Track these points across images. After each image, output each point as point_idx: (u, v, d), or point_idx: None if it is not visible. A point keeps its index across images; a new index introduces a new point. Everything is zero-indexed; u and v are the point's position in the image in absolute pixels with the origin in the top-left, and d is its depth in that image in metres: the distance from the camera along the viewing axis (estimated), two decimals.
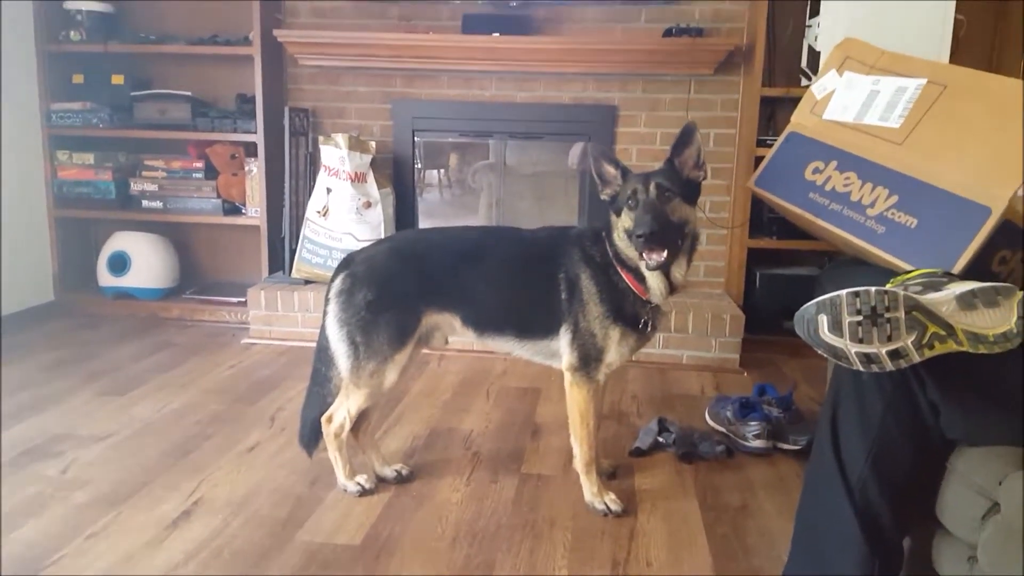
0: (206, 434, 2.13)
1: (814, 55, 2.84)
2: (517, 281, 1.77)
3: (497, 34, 2.98)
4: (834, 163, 1.50)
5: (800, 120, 1.65)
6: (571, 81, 3.17)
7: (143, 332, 3.10)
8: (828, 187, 1.48)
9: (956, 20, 2.69)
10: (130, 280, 3.31)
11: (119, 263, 3.31)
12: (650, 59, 3.00)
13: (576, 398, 1.74)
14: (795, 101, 2.94)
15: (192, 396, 2.41)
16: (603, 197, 1.67)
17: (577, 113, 3.19)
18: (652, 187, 1.57)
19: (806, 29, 2.94)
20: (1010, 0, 2.86)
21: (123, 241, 3.33)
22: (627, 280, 1.65)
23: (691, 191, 1.62)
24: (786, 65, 3.03)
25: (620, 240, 1.63)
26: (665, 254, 1.53)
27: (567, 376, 1.74)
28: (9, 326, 3.01)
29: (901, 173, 1.36)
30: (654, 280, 1.63)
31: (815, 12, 2.84)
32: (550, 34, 3.12)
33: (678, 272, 1.64)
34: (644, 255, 1.54)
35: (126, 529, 1.63)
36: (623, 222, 1.60)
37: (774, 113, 3.07)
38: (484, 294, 1.76)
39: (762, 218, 3.01)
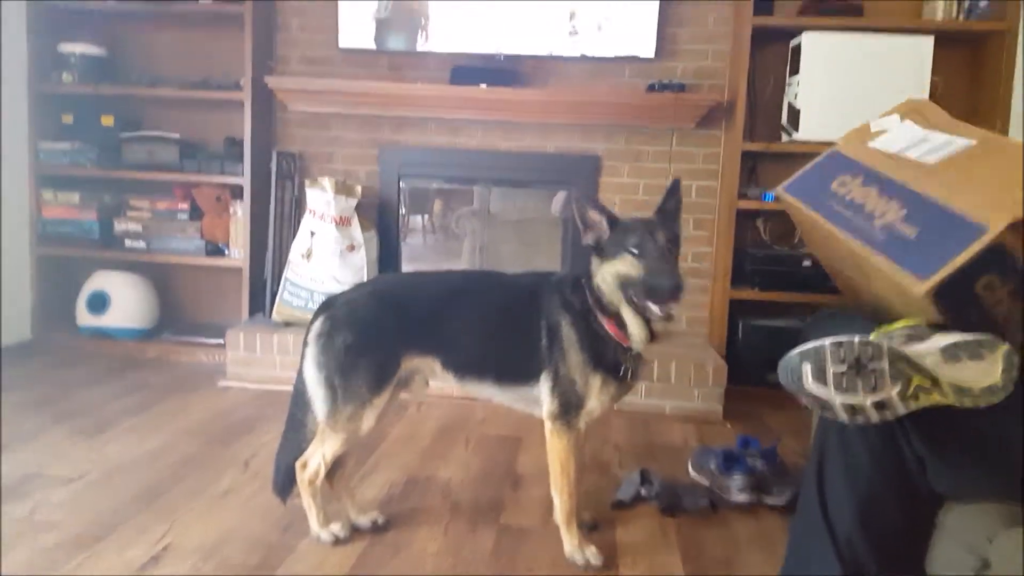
0: (178, 477, 2.08)
1: (794, 112, 2.92)
2: (497, 326, 1.76)
3: (484, 85, 3.04)
4: (860, 178, 1.52)
5: (845, 143, 1.66)
6: (556, 131, 3.23)
7: (119, 372, 3.04)
8: (848, 197, 1.50)
9: (932, 81, 2.78)
10: (108, 319, 3.26)
11: (98, 302, 3.26)
12: (633, 112, 3.07)
13: (557, 447, 1.71)
14: (776, 156, 3.12)
15: (166, 438, 2.36)
16: (586, 242, 1.67)
17: (561, 162, 3.24)
18: (661, 236, 1.58)
19: (786, 87, 3.03)
20: (984, 63, 2.96)
21: (103, 280, 3.30)
22: (608, 327, 1.65)
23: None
24: (767, 121, 3.11)
25: (606, 285, 1.62)
26: (677, 304, 1.55)
27: (547, 424, 1.71)
28: None
29: (917, 192, 1.38)
30: (636, 327, 1.63)
31: (795, 71, 2.93)
32: (536, 86, 3.19)
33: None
34: (657, 305, 1.54)
35: (94, 573, 1.57)
36: (619, 268, 1.58)
37: (755, 167, 3.14)
38: (464, 338, 1.75)
39: (745, 269, 3.04)
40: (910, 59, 2.80)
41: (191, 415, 2.60)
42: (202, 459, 2.21)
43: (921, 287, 1.23)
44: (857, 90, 2.81)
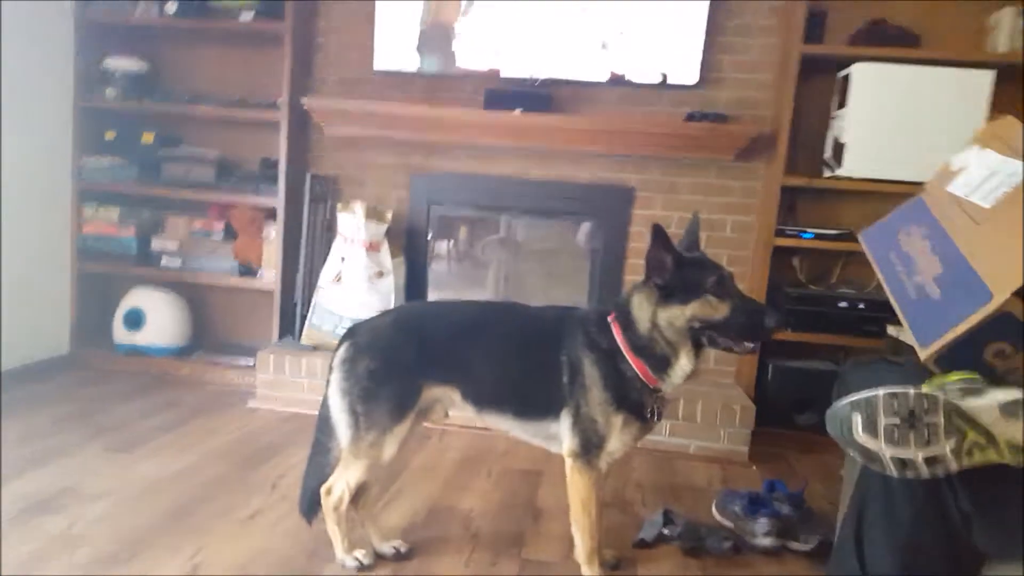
0: (208, 497, 2.11)
1: (839, 146, 2.84)
2: (518, 359, 1.76)
3: (519, 111, 3.04)
4: (923, 230, 1.45)
5: (930, 189, 1.55)
6: (589, 160, 3.23)
7: (152, 389, 3.11)
8: (905, 249, 1.45)
9: (991, 117, 2.63)
10: (144, 337, 3.33)
11: (134, 319, 3.34)
12: (670, 143, 3.03)
13: (577, 485, 1.71)
14: (817, 192, 3.10)
15: (196, 458, 2.40)
16: (656, 282, 1.60)
17: (593, 193, 3.24)
18: (731, 278, 1.60)
19: (832, 120, 2.96)
20: None
21: (140, 297, 3.37)
22: (636, 367, 1.64)
23: None
24: (809, 155, 3.04)
25: (671, 329, 1.59)
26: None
27: (568, 462, 1.71)
28: (22, 378, 3.02)
29: (958, 250, 1.32)
30: (686, 367, 1.62)
31: (842, 103, 2.85)
32: (572, 113, 3.18)
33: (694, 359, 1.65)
34: (742, 343, 1.58)
35: None
36: (696, 311, 1.56)
37: (795, 203, 3.08)
38: (484, 370, 1.76)
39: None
40: (968, 93, 2.68)
41: (221, 435, 2.64)
42: (231, 480, 2.25)
43: (922, 354, 1.20)
44: (908, 125, 2.72)
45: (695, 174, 3.16)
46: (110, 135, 3.40)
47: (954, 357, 1.17)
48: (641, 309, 1.63)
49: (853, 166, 2.80)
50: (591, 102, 3.20)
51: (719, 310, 1.56)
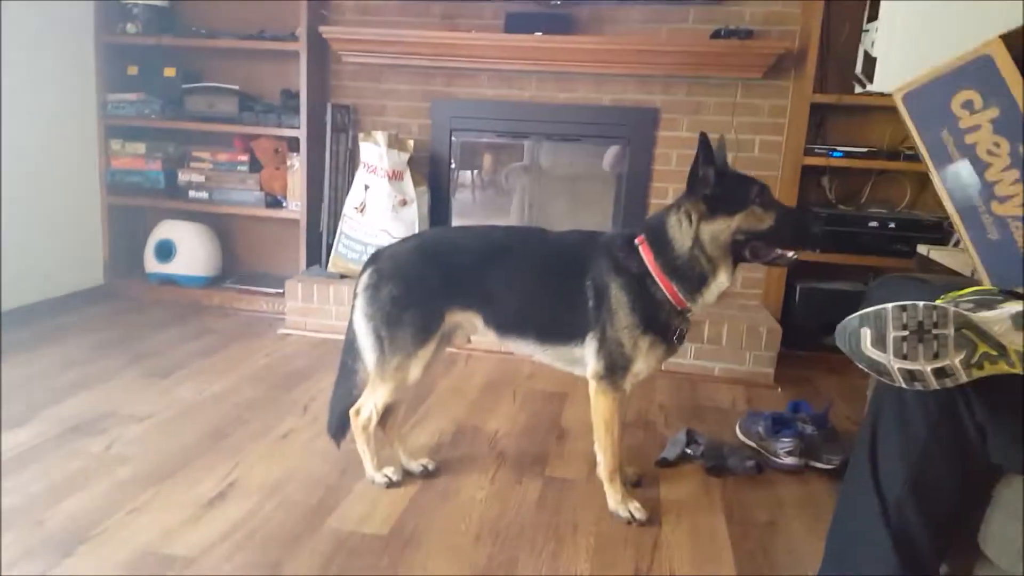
0: (243, 419, 2.19)
1: (870, 61, 2.72)
2: (541, 285, 1.76)
3: (540, 33, 2.97)
4: (994, 112, 1.12)
5: (1003, 48, 1.18)
6: (612, 82, 3.15)
7: (185, 318, 3.19)
8: (969, 140, 1.15)
9: None
10: (175, 267, 3.40)
11: (165, 250, 3.40)
12: (696, 61, 2.94)
13: (601, 406, 1.73)
14: (847, 109, 2.99)
15: (230, 382, 2.48)
16: (705, 193, 1.57)
17: (617, 115, 3.17)
18: (770, 190, 1.60)
19: (863, 34, 2.83)
20: None
21: (170, 229, 3.43)
22: (665, 290, 1.63)
23: None
24: (840, 71, 2.93)
25: (715, 243, 1.58)
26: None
27: (592, 384, 1.73)
28: (60, 307, 3.13)
29: None
30: (722, 285, 1.62)
31: (873, 16, 2.71)
32: (593, 34, 3.10)
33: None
34: (786, 253, 1.58)
35: (165, 506, 1.69)
36: (740, 223, 1.55)
37: (824, 121, 3.00)
38: (507, 295, 1.76)
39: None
40: (1004, 2, 2.58)
41: (253, 361, 2.72)
42: (264, 403, 2.32)
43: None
44: (943, 38, 2.61)
45: (721, 93, 3.07)
46: (132, 70, 3.41)
47: None
48: (680, 228, 1.61)
49: (884, 81, 2.68)
50: (613, 22, 3.10)
51: (764, 220, 1.56)
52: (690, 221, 1.59)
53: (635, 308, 1.64)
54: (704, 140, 1.54)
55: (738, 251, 1.59)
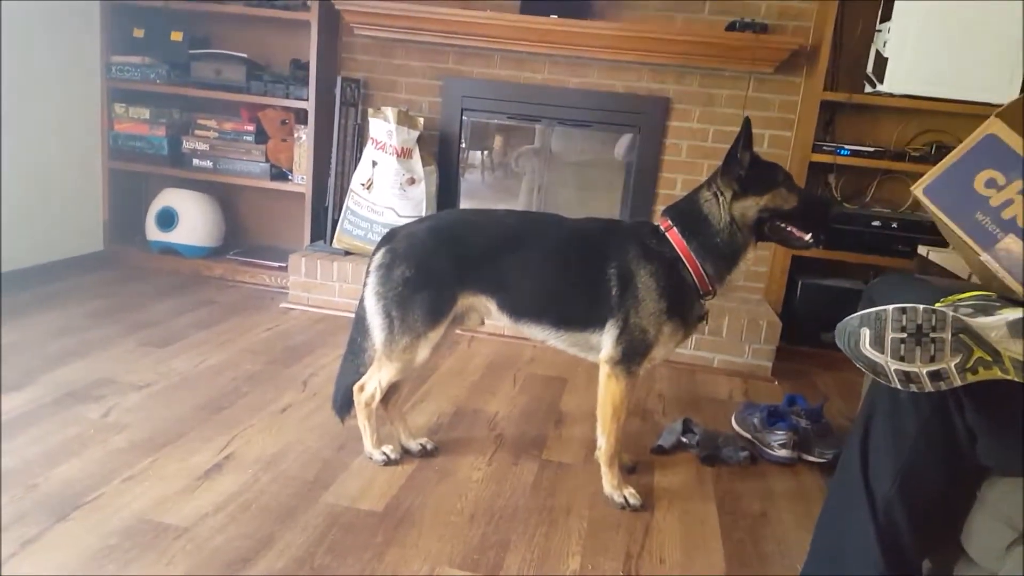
0: (241, 392, 2.19)
1: (881, 61, 2.75)
2: (560, 271, 1.76)
3: (555, 16, 2.95)
4: (1020, 183, 1.17)
5: (1004, 122, 1.23)
6: (626, 69, 3.13)
7: (186, 288, 3.19)
8: (1006, 215, 1.18)
9: None
10: (176, 236, 3.39)
11: (167, 219, 3.39)
12: (710, 52, 2.94)
13: (613, 391, 1.74)
14: (856, 108, 2.99)
15: (229, 354, 2.48)
16: (740, 173, 1.65)
17: (629, 103, 3.15)
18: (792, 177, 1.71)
19: (875, 34, 2.84)
20: None
21: (172, 197, 3.41)
22: (694, 274, 1.67)
23: None
24: (850, 70, 2.95)
25: (744, 220, 1.66)
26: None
27: (605, 368, 1.74)
28: (58, 272, 3.11)
29: None
30: (745, 267, 1.73)
31: (887, 17, 2.74)
32: (609, 19, 3.07)
33: None
34: (806, 235, 1.67)
35: (160, 476, 1.69)
36: (767, 201, 1.65)
37: (833, 118, 3.00)
38: (523, 280, 1.76)
39: None
40: (1016, 7, 2.55)
41: (253, 334, 2.72)
42: (263, 376, 2.33)
43: None
44: (954, 40, 2.62)
45: (733, 86, 3.07)
46: (138, 33, 3.36)
47: None
48: (716, 203, 1.68)
49: (895, 82, 2.71)
50: (630, 8, 3.09)
51: (789, 201, 1.66)
52: (724, 197, 1.67)
53: (664, 294, 1.68)
54: (747, 125, 1.63)
55: (760, 230, 1.68)
